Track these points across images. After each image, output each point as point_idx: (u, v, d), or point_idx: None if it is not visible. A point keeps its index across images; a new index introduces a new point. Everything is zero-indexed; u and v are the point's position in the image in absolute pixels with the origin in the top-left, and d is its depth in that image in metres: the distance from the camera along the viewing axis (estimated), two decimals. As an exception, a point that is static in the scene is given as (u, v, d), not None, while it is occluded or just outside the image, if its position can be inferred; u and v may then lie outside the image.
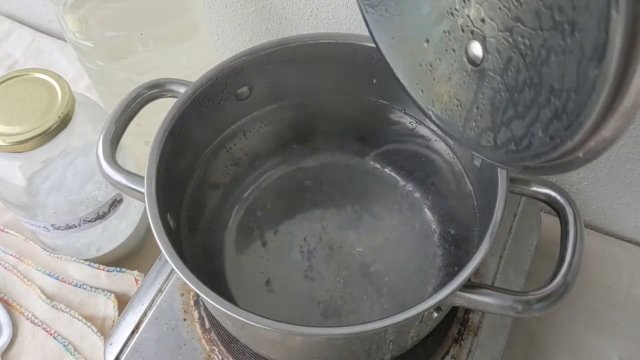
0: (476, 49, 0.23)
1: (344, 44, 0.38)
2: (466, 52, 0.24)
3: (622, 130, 0.18)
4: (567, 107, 0.20)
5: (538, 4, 0.19)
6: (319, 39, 0.38)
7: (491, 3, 0.21)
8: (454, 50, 0.25)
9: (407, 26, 0.27)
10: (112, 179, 0.33)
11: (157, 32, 0.42)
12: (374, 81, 0.40)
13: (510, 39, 0.21)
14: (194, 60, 0.46)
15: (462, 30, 0.24)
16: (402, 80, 0.30)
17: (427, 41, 0.26)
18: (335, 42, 0.38)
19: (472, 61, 0.24)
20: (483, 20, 0.22)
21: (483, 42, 0.23)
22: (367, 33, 0.49)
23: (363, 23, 0.48)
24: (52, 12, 0.67)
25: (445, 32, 0.25)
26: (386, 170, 0.44)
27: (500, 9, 0.21)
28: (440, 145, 0.40)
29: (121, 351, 0.38)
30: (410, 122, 0.41)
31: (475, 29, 0.23)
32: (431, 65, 0.27)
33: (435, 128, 0.30)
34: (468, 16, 0.23)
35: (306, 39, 0.38)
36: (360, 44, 0.38)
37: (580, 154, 0.20)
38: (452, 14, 0.24)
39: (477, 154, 0.27)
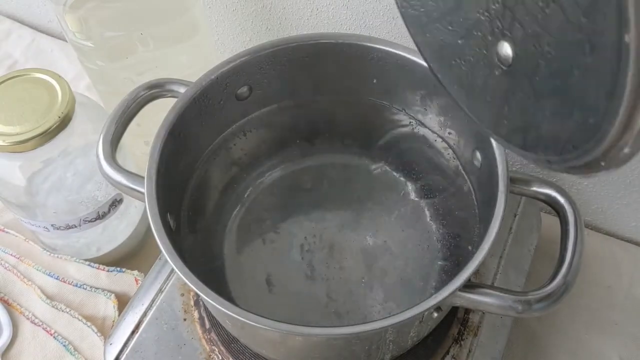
0: (506, 50, 0.24)
1: (344, 44, 0.38)
2: (497, 53, 0.25)
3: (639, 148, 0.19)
4: (589, 121, 0.20)
5: (562, 17, 0.19)
6: (319, 39, 0.38)
7: (520, 8, 0.22)
8: (485, 50, 0.25)
9: (442, 23, 0.28)
10: (112, 179, 0.33)
11: (157, 32, 0.42)
12: (374, 81, 0.40)
13: (537, 46, 0.21)
14: (194, 60, 0.46)
15: (493, 32, 0.24)
16: (437, 74, 0.30)
17: (462, 38, 0.27)
18: (335, 42, 0.38)
19: (503, 61, 0.24)
20: (512, 24, 0.22)
21: (513, 44, 0.23)
22: (367, 33, 0.49)
23: (363, 23, 0.48)
24: (52, 12, 0.67)
25: (476, 32, 0.25)
26: (386, 170, 0.44)
27: (527, 14, 0.21)
28: (440, 145, 0.40)
29: (121, 351, 0.38)
30: (410, 122, 0.41)
31: (505, 31, 0.23)
32: (464, 62, 0.28)
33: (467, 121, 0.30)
34: (498, 19, 0.23)
35: (306, 39, 0.38)
36: (360, 44, 0.38)
37: (603, 163, 0.20)
38: (483, 14, 0.24)
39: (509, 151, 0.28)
